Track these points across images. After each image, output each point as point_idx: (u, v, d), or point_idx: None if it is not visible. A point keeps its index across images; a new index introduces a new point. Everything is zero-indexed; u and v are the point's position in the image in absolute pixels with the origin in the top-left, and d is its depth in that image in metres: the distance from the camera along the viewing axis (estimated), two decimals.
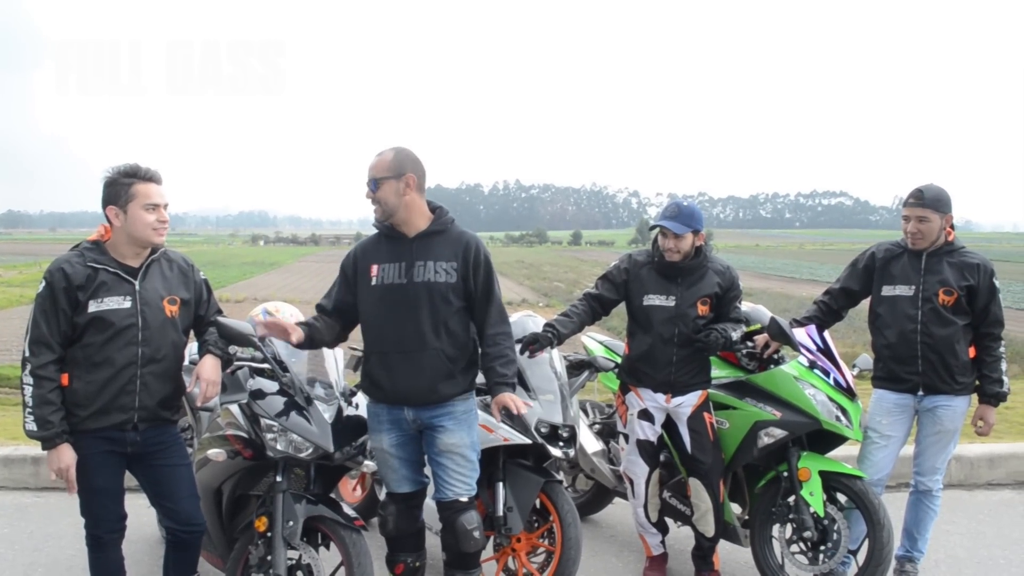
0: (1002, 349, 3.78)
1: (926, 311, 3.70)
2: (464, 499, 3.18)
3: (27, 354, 2.91)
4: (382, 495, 3.94)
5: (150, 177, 3.01)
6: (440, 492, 3.21)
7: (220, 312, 3.29)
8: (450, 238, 3.18)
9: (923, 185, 3.73)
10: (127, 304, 2.97)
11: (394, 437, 3.22)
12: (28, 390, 2.89)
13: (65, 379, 2.93)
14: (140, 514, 3.59)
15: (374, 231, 3.29)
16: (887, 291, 3.82)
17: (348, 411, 3.32)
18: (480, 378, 3.30)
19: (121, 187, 2.97)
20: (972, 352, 3.76)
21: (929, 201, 3.68)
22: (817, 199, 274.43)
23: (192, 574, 3.25)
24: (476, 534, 3.19)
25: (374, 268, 3.17)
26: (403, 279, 3.12)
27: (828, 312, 4.07)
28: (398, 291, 3.12)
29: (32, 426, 2.90)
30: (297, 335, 3.09)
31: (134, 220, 2.96)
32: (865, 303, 4.04)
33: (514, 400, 3.11)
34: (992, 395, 3.76)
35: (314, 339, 3.20)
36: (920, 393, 3.76)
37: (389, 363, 3.15)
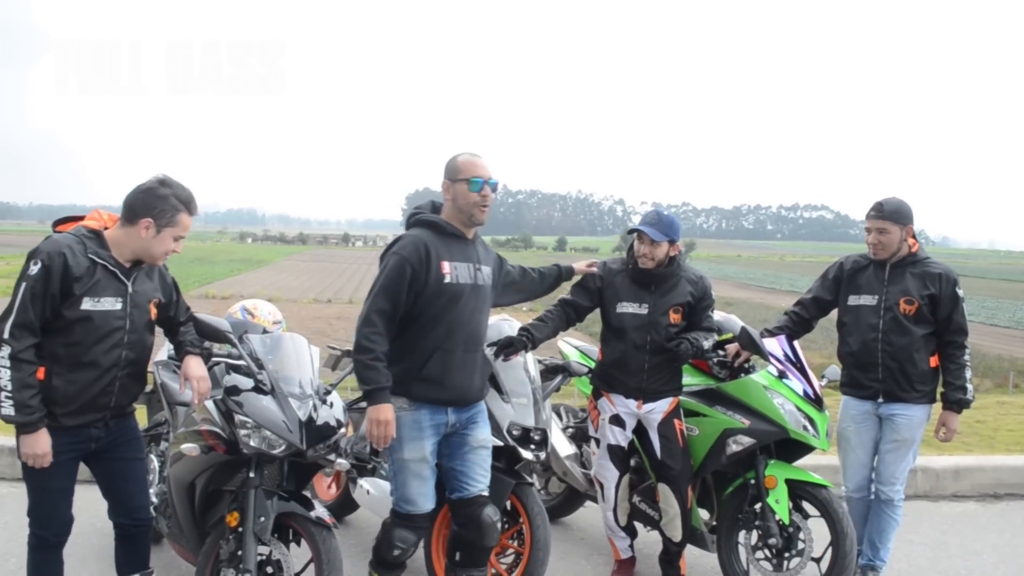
0: (966, 357, 3.84)
1: (887, 320, 3.79)
2: (486, 493, 3.31)
3: (6, 336, 2.73)
4: (355, 493, 3.96)
5: (194, 211, 3.02)
6: (463, 490, 3.28)
7: (188, 310, 3.32)
8: (482, 243, 3.39)
9: (883, 198, 3.83)
10: (118, 306, 2.94)
11: (432, 444, 3.22)
12: (5, 373, 2.73)
13: (41, 373, 2.81)
14: (99, 507, 3.46)
15: (389, 228, 3.33)
16: (852, 300, 3.93)
17: (322, 409, 3.33)
18: None
19: (170, 209, 2.94)
20: (934, 362, 3.83)
21: (888, 213, 3.78)
22: (799, 212, 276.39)
23: (145, 568, 3.25)
24: (498, 525, 3.30)
25: (446, 265, 3.17)
26: (473, 280, 3.24)
27: (799, 322, 4.16)
28: (470, 291, 3.22)
29: (10, 411, 2.74)
30: None
31: (161, 242, 2.95)
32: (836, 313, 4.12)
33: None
34: (955, 401, 3.82)
35: None
36: (880, 400, 3.85)
37: (451, 361, 3.19)
